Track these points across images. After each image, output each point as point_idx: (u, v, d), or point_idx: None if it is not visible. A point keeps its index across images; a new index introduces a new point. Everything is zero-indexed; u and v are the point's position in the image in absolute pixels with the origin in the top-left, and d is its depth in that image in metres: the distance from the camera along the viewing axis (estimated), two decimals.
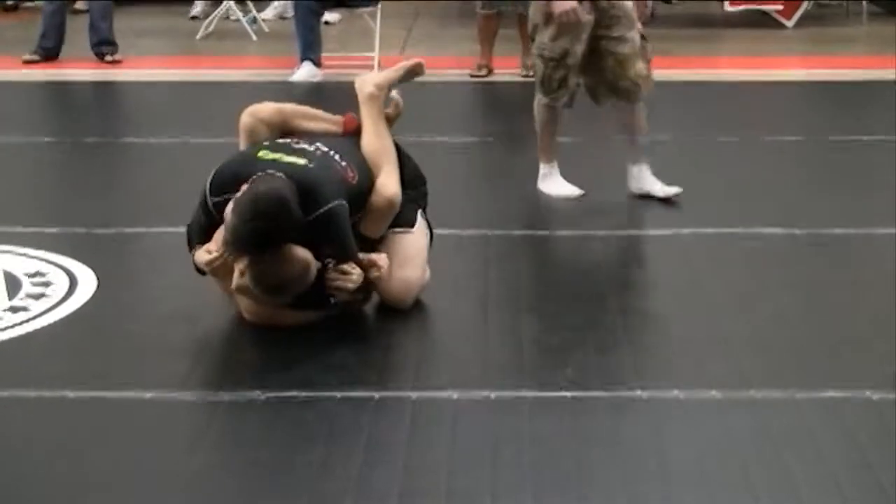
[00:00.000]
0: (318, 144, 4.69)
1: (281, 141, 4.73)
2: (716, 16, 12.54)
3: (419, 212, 4.91)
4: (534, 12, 6.26)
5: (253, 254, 4.32)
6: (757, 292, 4.97)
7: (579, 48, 6.13)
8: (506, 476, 3.62)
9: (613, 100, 6.27)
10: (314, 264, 4.43)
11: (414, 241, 4.81)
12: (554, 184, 6.35)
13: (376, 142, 4.85)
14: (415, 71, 5.20)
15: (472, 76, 9.56)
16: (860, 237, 5.62)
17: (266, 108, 4.90)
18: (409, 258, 4.76)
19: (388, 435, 3.89)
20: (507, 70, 9.60)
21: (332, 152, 4.67)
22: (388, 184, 4.74)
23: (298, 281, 4.39)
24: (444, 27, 10.93)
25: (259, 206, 4.29)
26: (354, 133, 4.94)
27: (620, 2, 6.20)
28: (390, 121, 5.04)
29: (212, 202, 4.53)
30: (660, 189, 6.17)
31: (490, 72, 9.61)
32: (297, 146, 4.65)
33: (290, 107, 5.00)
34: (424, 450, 3.80)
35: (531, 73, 9.40)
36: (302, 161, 4.55)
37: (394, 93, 5.10)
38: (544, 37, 6.15)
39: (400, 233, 4.80)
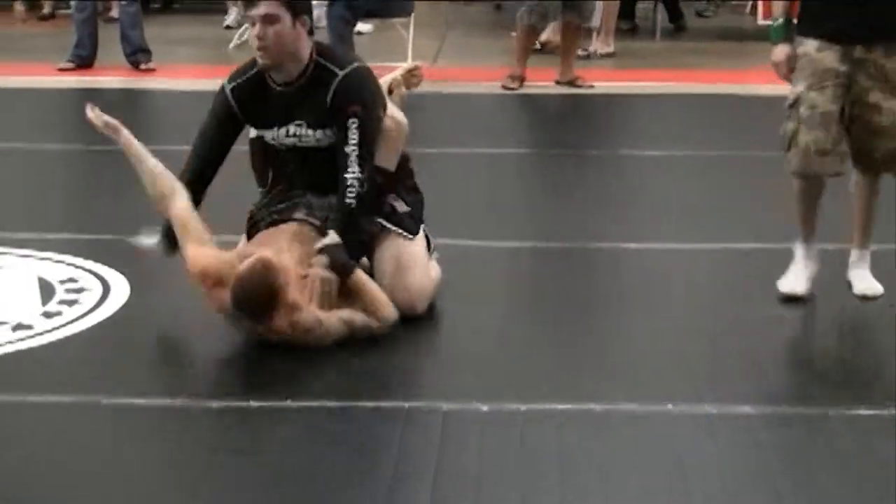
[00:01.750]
0: None
1: None
2: (749, 29, 12.52)
3: (421, 225, 4.91)
4: None
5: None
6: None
7: (821, 99, 4.86)
8: (535, 488, 3.62)
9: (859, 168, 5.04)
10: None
11: (411, 247, 4.79)
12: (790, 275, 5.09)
13: None
14: (413, 74, 5.23)
15: (504, 87, 9.55)
16: None
17: None
18: (407, 266, 4.75)
19: (418, 446, 3.90)
20: (542, 81, 9.59)
21: None
22: (396, 111, 4.85)
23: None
24: (477, 38, 10.93)
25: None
26: None
27: None
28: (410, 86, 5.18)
29: (228, 87, 4.79)
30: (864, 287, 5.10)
31: (523, 83, 9.60)
32: None
33: None
34: (454, 461, 3.80)
35: (579, 83, 9.45)
36: None
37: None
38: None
39: (398, 234, 4.80)
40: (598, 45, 10.77)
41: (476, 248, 5.58)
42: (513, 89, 9.48)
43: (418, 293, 4.76)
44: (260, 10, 4.60)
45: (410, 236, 4.80)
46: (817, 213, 5.05)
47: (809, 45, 4.85)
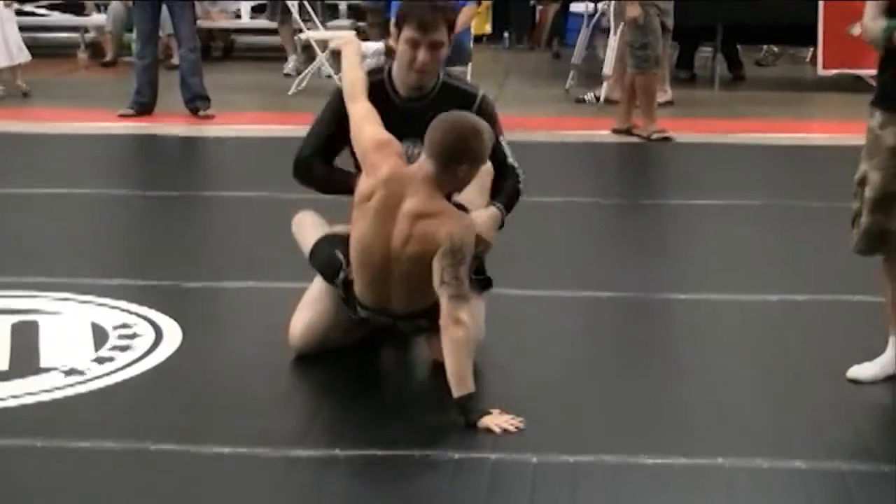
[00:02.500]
0: None
1: None
2: (809, 80, 12.46)
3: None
4: None
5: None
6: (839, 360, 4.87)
7: (879, 178, 4.58)
8: None
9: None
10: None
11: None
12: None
13: None
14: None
15: (614, 132, 9.65)
16: None
17: None
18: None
19: (466, 497, 3.86)
20: (602, 130, 9.59)
21: None
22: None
23: None
24: (535, 87, 10.94)
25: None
26: None
27: None
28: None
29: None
30: None
31: (630, 132, 9.63)
32: None
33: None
34: None
35: (635, 131, 9.46)
36: None
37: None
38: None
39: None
40: (607, 92, 10.80)
41: (528, 298, 5.55)
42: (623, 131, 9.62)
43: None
44: (434, 37, 4.75)
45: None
46: None
47: (875, 120, 4.60)
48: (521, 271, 5.90)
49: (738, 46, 12.65)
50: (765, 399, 4.59)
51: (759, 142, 9.52)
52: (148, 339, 5.12)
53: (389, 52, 9.51)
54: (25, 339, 5.09)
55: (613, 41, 10.65)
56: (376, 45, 10.36)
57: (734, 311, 5.60)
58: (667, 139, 9.36)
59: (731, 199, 7.81)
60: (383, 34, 10.31)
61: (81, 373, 4.77)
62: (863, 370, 4.71)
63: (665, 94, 10.78)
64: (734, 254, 6.55)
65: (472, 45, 10.01)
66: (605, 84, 10.83)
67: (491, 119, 4.77)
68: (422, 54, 4.76)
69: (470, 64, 9.95)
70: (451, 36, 4.84)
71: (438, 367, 4.54)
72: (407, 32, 4.76)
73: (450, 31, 4.82)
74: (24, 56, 11.42)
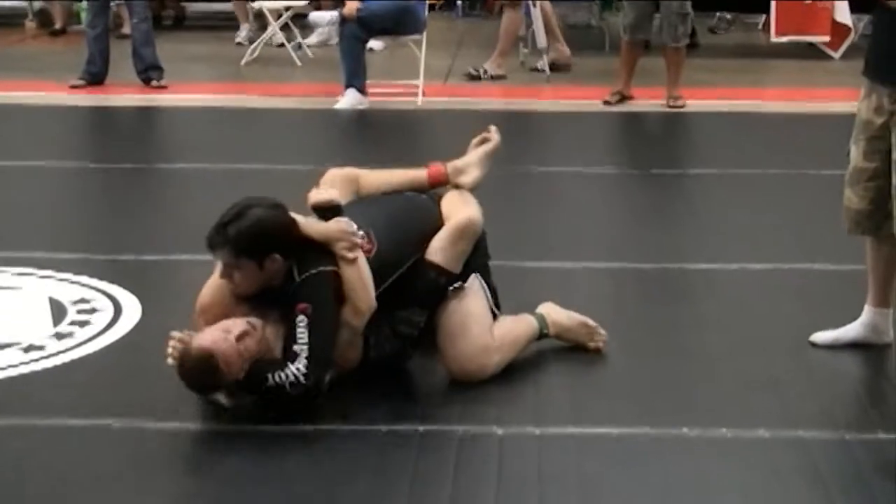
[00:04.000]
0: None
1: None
2: (761, 46, 12.50)
3: (475, 275, 4.55)
4: None
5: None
6: (800, 328, 4.89)
7: (855, 154, 4.54)
8: None
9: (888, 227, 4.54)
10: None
11: (463, 308, 4.48)
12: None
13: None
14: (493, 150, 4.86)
15: (605, 103, 9.54)
16: None
17: (346, 172, 4.71)
18: (454, 333, 4.43)
19: (434, 470, 3.86)
20: (650, 100, 9.54)
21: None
22: (461, 211, 4.54)
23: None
24: (488, 57, 10.91)
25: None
26: (440, 184, 4.71)
27: None
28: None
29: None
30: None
31: (624, 99, 9.59)
32: None
33: (368, 173, 4.75)
34: (470, 485, 3.76)
35: (679, 104, 9.43)
36: None
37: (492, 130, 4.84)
38: None
39: (453, 293, 4.48)
40: (490, 66, 10.78)
41: (528, 269, 5.54)
42: (613, 103, 9.51)
43: (468, 360, 4.43)
44: (219, 259, 4.29)
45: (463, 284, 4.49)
46: (886, 280, 4.64)
47: (861, 91, 4.52)
48: (507, 242, 5.88)
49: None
50: (729, 369, 4.60)
51: (713, 109, 9.54)
52: (107, 313, 5.08)
53: (344, 21, 9.46)
54: None
55: (536, 12, 10.68)
56: (330, 14, 10.29)
57: (695, 281, 5.61)
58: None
59: (685, 167, 7.84)
60: (338, 2, 10.22)
61: (41, 348, 4.72)
62: (821, 335, 4.74)
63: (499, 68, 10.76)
64: (693, 223, 6.56)
65: (426, 13, 9.95)
66: (544, 56, 10.82)
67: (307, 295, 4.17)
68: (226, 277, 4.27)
69: (425, 33, 9.90)
70: (263, 261, 4.18)
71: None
72: None
73: (250, 255, 4.18)
74: None
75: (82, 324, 4.98)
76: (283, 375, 4.06)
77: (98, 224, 6.65)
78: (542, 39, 10.80)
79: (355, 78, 9.42)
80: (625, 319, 5.06)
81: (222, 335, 4.10)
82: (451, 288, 4.46)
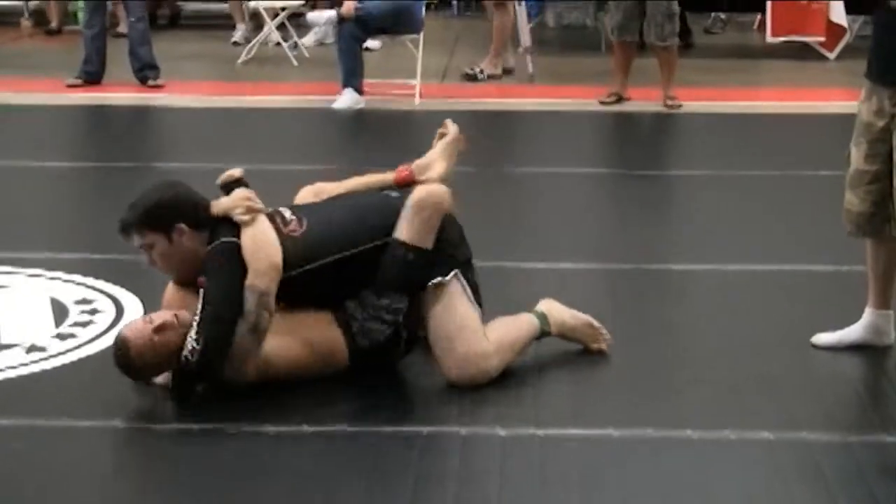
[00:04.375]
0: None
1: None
2: (756, 47, 12.51)
3: (456, 273, 4.49)
4: None
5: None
6: (799, 329, 4.90)
7: (856, 156, 4.55)
8: None
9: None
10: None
11: (452, 315, 4.43)
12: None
13: None
14: (457, 146, 4.88)
15: (601, 103, 9.54)
16: None
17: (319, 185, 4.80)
18: (452, 339, 4.41)
19: (437, 471, 3.87)
20: (646, 101, 9.54)
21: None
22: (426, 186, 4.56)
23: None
24: (484, 56, 10.92)
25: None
26: (408, 184, 4.68)
27: None
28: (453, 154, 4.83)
29: None
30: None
31: (620, 100, 9.60)
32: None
33: (340, 183, 4.79)
34: (474, 486, 3.78)
35: (675, 104, 9.43)
36: None
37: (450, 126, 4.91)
38: None
39: (434, 290, 4.45)
40: (486, 66, 10.77)
41: (525, 270, 5.55)
42: (609, 103, 9.52)
43: (468, 366, 4.41)
44: (135, 242, 4.47)
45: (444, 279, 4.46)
46: (886, 281, 4.63)
47: (862, 93, 4.54)
48: (502, 243, 5.91)
49: (686, 13, 12.66)
50: (732, 370, 4.61)
51: (709, 109, 9.55)
52: (109, 314, 5.08)
53: (342, 21, 9.46)
54: None
55: (521, 11, 10.54)
56: (328, 14, 10.28)
57: (696, 281, 5.63)
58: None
59: (681, 169, 7.85)
60: (334, 2, 10.22)
61: (43, 349, 4.73)
62: (823, 337, 4.76)
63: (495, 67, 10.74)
64: (688, 224, 6.58)
65: (424, 12, 9.96)
66: (528, 57, 10.72)
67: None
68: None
69: (422, 32, 9.90)
70: (170, 233, 4.38)
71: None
72: None
73: (154, 228, 4.39)
74: None
75: (84, 324, 4.98)
76: (186, 350, 4.20)
77: (97, 224, 6.61)
78: (526, 38, 10.71)
79: (353, 77, 9.43)
80: (626, 320, 5.07)
81: (143, 325, 4.28)
82: (431, 283, 4.44)
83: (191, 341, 4.19)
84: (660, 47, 9.46)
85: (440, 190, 4.58)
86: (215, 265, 4.32)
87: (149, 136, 9.23)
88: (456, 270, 4.50)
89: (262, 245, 4.33)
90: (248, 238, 4.34)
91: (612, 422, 4.15)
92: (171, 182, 4.62)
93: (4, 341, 4.80)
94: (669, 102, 9.48)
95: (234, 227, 4.38)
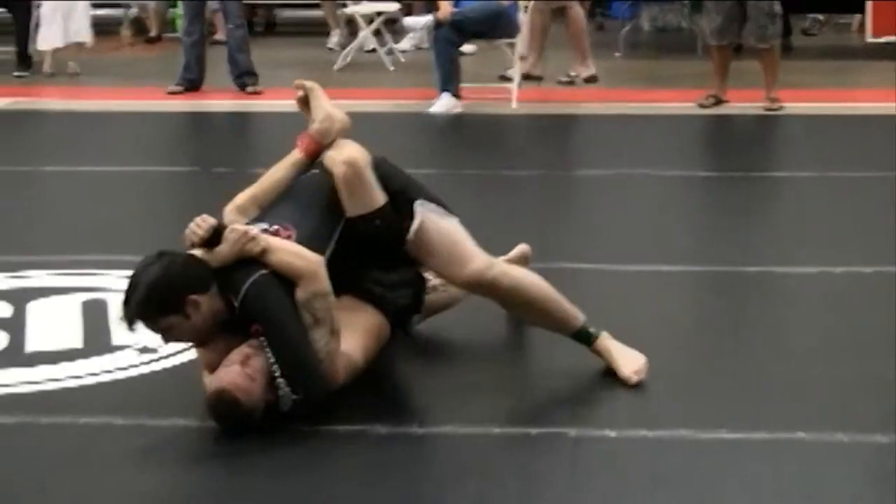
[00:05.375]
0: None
1: None
2: (856, 47, 12.37)
3: (419, 204, 4.47)
4: None
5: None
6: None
7: None
8: None
9: None
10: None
11: (440, 236, 4.44)
12: None
13: None
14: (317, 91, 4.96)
15: (700, 105, 9.50)
16: None
17: (239, 198, 4.65)
18: (454, 255, 4.42)
19: (546, 472, 3.86)
20: (747, 103, 9.50)
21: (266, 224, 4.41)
22: (334, 166, 4.46)
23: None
24: (567, 58, 10.89)
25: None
26: (317, 152, 4.63)
27: None
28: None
29: None
30: None
31: (719, 102, 9.54)
32: None
33: (256, 186, 4.65)
34: (584, 488, 3.77)
35: (775, 107, 9.38)
36: None
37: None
38: None
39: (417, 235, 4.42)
40: (579, 69, 10.70)
41: (635, 273, 5.54)
42: (708, 106, 9.49)
43: (484, 269, 4.41)
44: (151, 329, 4.25)
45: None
46: None
47: None
48: (590, 246, 5.90)
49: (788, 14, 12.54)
50: (843, 373, 4.55)
51: (810, 111, 9.46)
52: None
53: (438, 25, 9.49)
54: (96, 317, 5.12)
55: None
56: (425, 19, 10.32)
57: (798, 284, 5.57)
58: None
59: (782, 170, 7.78)
60: (430, 6, 10.26)
61: (154, 350, 4.79)
62: None
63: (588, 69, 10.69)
64: (793, 226, 6.52)
65: (520, 16, 9.96)
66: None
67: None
68: None
69: (520, 35, 9.91)
70: (184, 309, 4.14)
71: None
72: None
73: (164, 313, 4.14)
74: (82, 37, 11.37)
75: None
76: (282, 400, 4.08)
77: None
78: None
79: (449, 82, 9.46)
80: (730, 322, 5.03)
81: (224, 368, 4.09)
82: (408, 237, 4.41)
83: (283, 388, 4.07)
84: (762, 49, 9.38)
85: (347, 152, 4.48)
86: (264, 305, 4.14)
87: (247, 142, 9.33)
88: (419, 201, 4.47)
89: (294, 252, 4.24)
90: (273, 257, 4.20)
91: (723, 424, 4.09)
92: (156, 256, 4.26)
93: (116, 342, 4.87)
94: (770, 104, 9.39)
95: (250, 263, 4.19)
